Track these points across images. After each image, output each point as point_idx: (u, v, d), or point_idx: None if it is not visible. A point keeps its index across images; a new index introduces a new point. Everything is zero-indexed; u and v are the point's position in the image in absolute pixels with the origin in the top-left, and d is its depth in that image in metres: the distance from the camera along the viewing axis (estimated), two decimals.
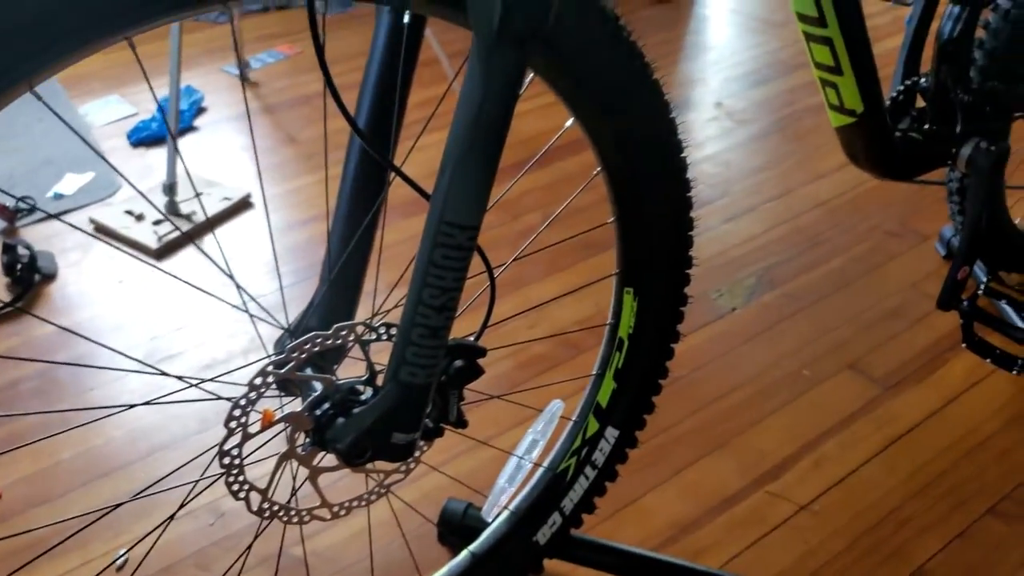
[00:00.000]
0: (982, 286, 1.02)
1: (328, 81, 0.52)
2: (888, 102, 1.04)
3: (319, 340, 0.61)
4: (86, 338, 1.29)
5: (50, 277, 1.48)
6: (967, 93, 0.99)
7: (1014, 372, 1.00)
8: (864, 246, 1.48)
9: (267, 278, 1.45)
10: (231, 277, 0.68)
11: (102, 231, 1.59)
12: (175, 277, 1.27)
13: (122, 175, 1.01)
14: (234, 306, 0.73)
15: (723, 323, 1.33)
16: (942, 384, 1.19)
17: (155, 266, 1.48)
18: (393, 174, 0.61)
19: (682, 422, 1.15)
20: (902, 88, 1.04)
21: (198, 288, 0.86)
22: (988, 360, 1.04)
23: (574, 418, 0.86)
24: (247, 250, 1.54)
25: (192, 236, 1.58)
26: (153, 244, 1.52)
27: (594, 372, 0.85)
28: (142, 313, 1.38)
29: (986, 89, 0.99)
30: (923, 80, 1.02)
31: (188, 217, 1.59)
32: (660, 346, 0.83)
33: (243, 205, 1.67)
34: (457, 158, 0.54)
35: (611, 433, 0.85)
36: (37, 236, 1.56)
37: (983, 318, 1.03)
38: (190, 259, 1.52)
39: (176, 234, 1.54)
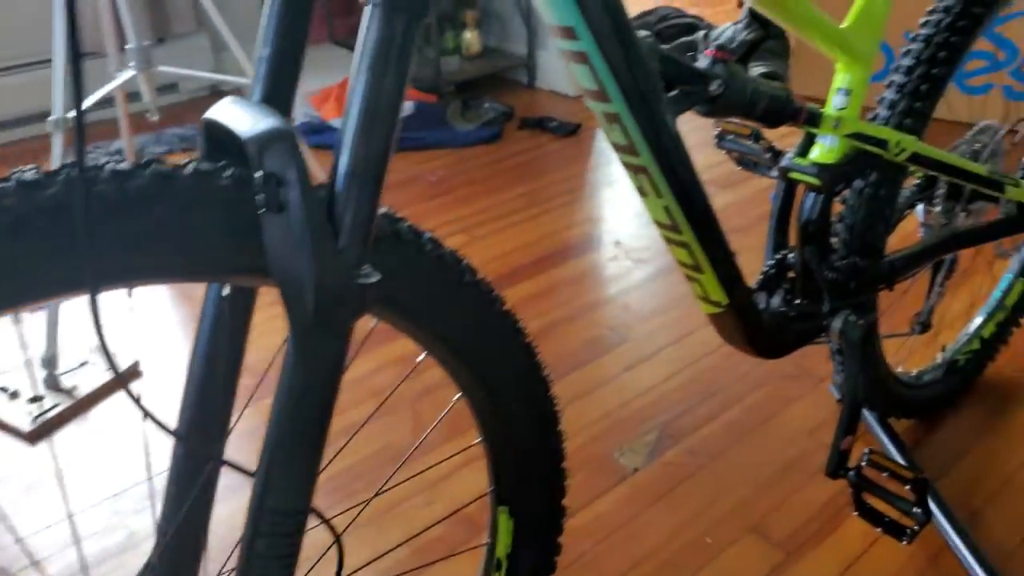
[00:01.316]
0: (865, 458, 1.03)
1: (130, 395, 0.49)
2: (760, 276, 1.06)
3: None
4: None
5: None
6: (831, 270, 1.02)
7: (903, 542, 1.00)
8: (761, 392, 1.50)
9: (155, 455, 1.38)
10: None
11: None
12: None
13: None
14: None
15: (625, 486, 1.30)
16: (841, 545, 1.18)
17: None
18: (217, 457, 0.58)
19: None
20: (772, 263, 1.06)
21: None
22: (879, 529, 1.03)
23: None
24: (133, 425, 1.46)
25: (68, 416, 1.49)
26: (26, 426, 1.44)
27: None
28: (10, 508, 1.29)
29: (849, 265, 1.02)
30: (791, 255, 1.05)
31: (69, 392, 1.51)
32: (541, 564, 0.80)
33: (132, 374, 1.60)
34: (278, 443, 0.51)
35: None
36: None
37: (870, 487, 1.03)
38: (68, 439, 1.44)
39: (53, 414, 1.46)
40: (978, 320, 1.46)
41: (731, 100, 0.79)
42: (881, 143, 0.95)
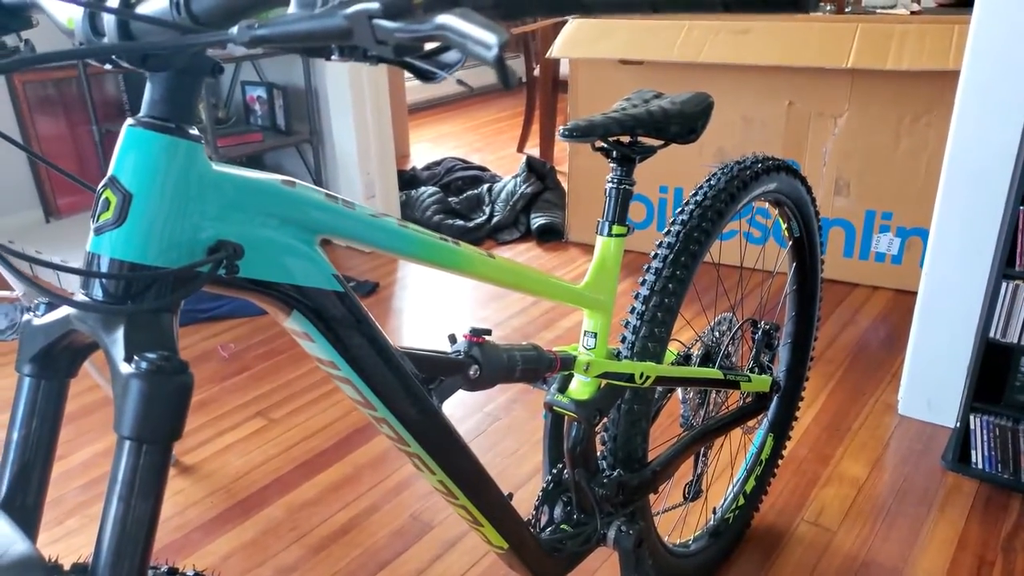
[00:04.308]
0: None
1: None
2: (540, 493, 1.14)
3: None
4: None
5: None
6: (599, 486, 1.12)
7: None
8: None
9: None
10: None
11: None
12: None
13: None
14: None
15: None
16: None
17: None
18: None
19: None
20: (550, 478, 1.15)
21: None
22: None
23: None
24: None
25: None
26: None
27: None
28: None
29: (615, 480, 1.12)
30: (566, 472, 1.14)
31: None
32: None
33: None
34: None
35: None
36: None
37: None
38: None
39: None
40: (740, 477, 1.64)
41: (490, 375, 0.87)
42: (628, 377, 1.07)
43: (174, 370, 0.49)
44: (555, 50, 2.98)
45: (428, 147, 4.68)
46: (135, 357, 0.49)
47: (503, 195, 3.29)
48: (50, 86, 3.01)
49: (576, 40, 2.92)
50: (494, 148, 4.60)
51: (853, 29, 2.52)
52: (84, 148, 3.18)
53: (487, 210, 3.26)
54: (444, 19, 0.34)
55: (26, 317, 0.56)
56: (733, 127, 2.76)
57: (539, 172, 3.37)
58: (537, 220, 3.17)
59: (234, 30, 0.41)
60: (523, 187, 3.28)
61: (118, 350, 0.50)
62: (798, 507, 1.71)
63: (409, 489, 1.80)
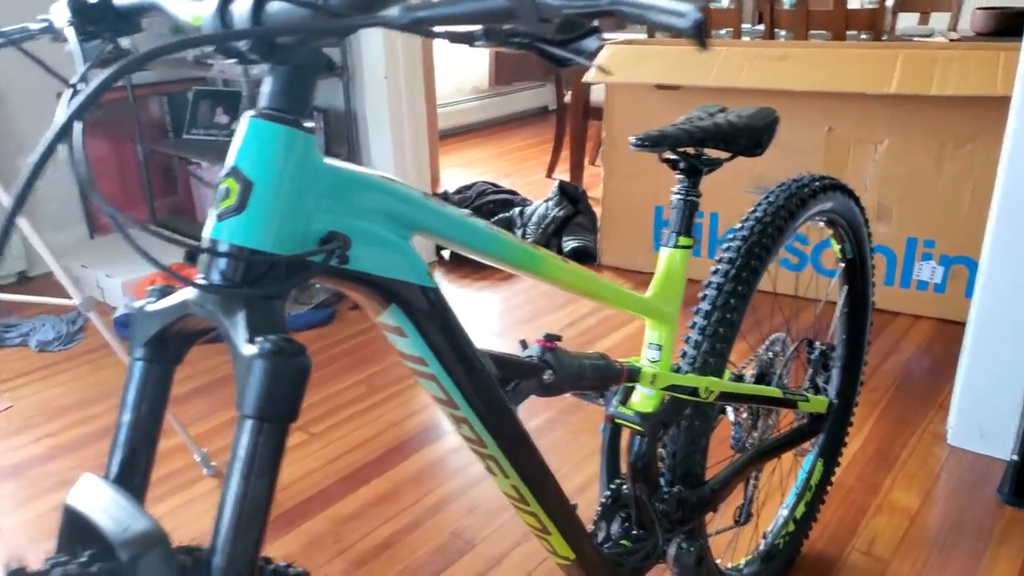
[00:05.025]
0: None
1: None
2: (599, 508, 1.13)
3: None
4: None
5: None
6: (660, 501, 1.11)
7: None
8: None
9: None
10: None
11: None
12: None
13: None
14: None
15: None
16: None
17: None
18: None
19: None
20: (608, 494, 1.14)
21: None
22: None
23: None
24: None
25: None
26: None
27: None
28: None
29: (675, 496, 1.11)
30: (625, 487, 1.13)
31: None
32: None
33: None
34: None
35: None
36: None
37: None
38: None
39: None
40: (790, 502, 1.61)
41: (562, 381, 0.87)
42: (692, 391, 1.06)
43: (294, 352, 0.50)
44: (591, 75, 3.00)
45: (458, 172, 4.72)
46: (258, 338, 0.49)
47: (535, 218, 3.30)
48: (96, 107, 3.07)
49: (613, 65, 2.95)
50: (523, 173, 4.63)
51: (894, 55, 2.53)
52: (127, 167, 3.24)
53: (519, 233, 3.27)
54: None
55: (138, 303, 0.57)
56: (772, 152, 2.74)
57: (571, 196, 3.38)
58: (569, 243, 3.18)
59: (394, 11, 0.42)
60: (555, 211, 3.29)
61: (239, 332, 0.51)
62: (849, 536, 1.68)
63: (449, 507, 1.79)
